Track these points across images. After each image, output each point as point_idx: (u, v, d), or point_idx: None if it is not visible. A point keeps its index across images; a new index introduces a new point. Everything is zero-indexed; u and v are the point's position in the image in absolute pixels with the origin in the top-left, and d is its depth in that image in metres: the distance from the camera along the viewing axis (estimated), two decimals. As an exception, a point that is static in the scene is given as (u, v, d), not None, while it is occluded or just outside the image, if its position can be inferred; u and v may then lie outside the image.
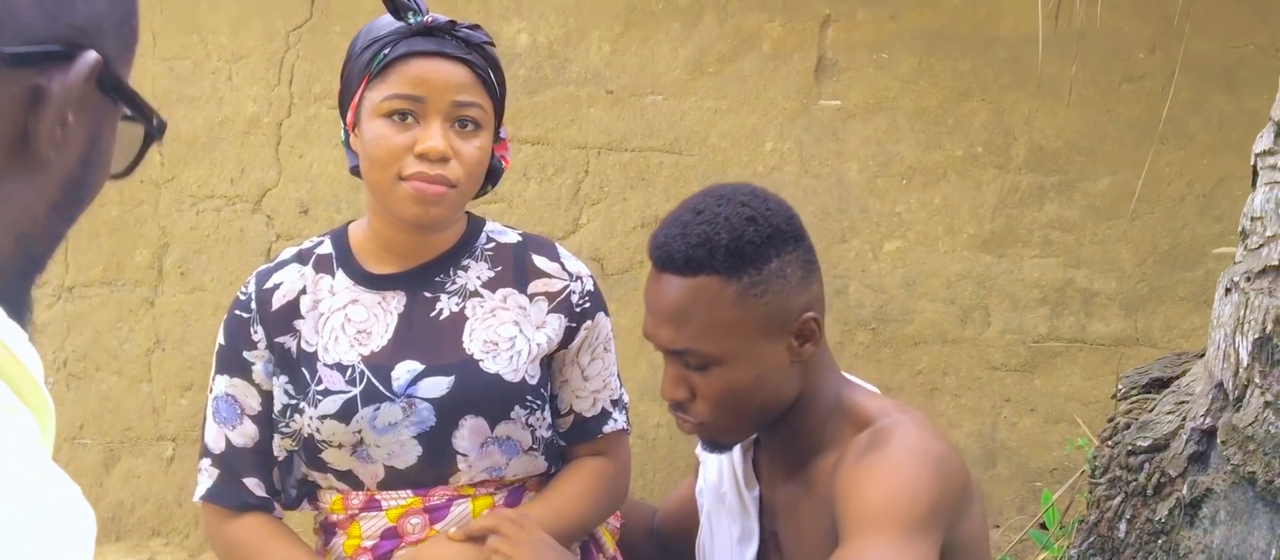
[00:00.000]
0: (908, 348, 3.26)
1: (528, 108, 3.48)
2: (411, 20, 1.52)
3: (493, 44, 1.58)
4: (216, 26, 3.55)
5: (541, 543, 1.53)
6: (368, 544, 1.59)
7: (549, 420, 1.65)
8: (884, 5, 3.24)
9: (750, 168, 3.35)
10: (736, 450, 1.70)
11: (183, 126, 3.56)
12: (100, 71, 0.74)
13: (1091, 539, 2.39)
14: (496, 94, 1.59)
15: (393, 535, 1.60)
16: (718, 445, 1.64)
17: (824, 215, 3.29)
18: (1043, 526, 2.92)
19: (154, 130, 0.81)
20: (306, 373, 1.57)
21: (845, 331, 3.30)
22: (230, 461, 1.61)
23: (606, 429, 1.69)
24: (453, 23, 1.54)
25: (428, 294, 1.61)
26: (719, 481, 1.74)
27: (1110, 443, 2.41)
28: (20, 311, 0.77)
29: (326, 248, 1.64)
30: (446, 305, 1.61)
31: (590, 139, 3.45)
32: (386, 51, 1.52)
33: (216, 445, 1.62)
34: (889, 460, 1.46)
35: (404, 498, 1.59)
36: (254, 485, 1.61)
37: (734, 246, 1.50)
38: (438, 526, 1.59)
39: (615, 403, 1.71)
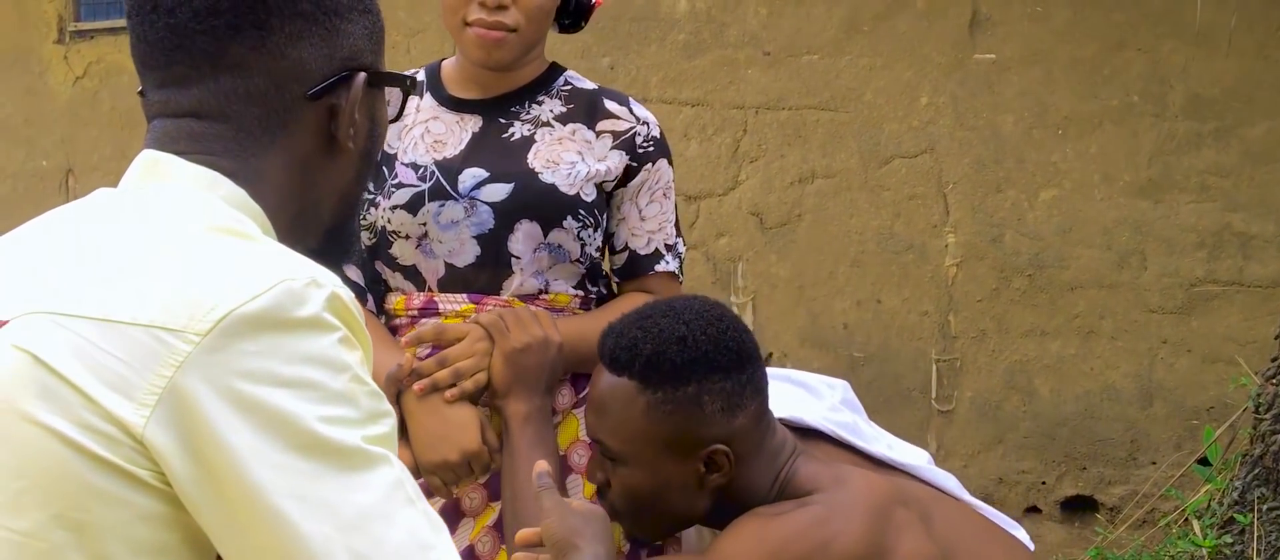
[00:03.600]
0: (1064, 292, 3.37)
1: (687, 71, 3.66)
2: None
3: None
4: (395, 4, 3.80)
5: (526, 365, 1.63)
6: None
7: (599, 242, 1.75)
8: (1038, -41, 3.32)
9: (905, 123, 3.47)
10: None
11: (402, 60, 3.83)
12: (368, 77, 1.04)
13: (1256, 471, 2.50)
14: None
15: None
16: (635, 540, 1.69)
17: (979, 167, 3.41)
18: (1204, 462, 3.02)
19: (409, 86, 1.12)
20: (385, 170, 1.71)
21: (1001, 278, 3.42)
22: None
23: (658, 268, 1.78)
24: None
25: (502, 119, 1.74)
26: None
27: (1275, 381, 2.51)
28: (350, 249, 1.11)
29: (419, 75, 1.79)
30: (518, 130, 1.73)
31: (748, 99, 3.61)
32: None
33: None
34: (777, 522, 1.50)
35: (459, 303, 1.72)
36: (352, 273, 1.74)
37: (654, 360, 1.52)
38: None
39: (670, 247, 1.79)
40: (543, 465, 1.51)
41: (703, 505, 1.57)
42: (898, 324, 3.53)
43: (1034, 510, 3.45)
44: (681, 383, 1.51)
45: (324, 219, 1.06)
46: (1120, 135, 3.28)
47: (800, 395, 1.74)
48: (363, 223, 1.71)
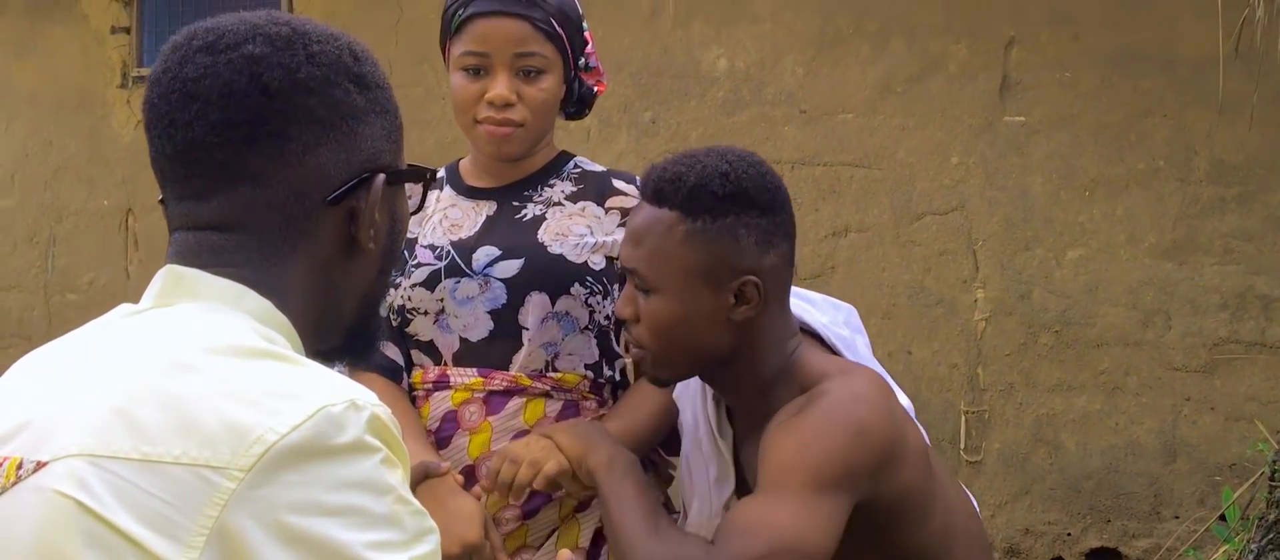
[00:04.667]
0: (1090, 349, 3.46)
1: (726, 127, 3.78)
2: None
3: None
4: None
5: (590, 430, 1.68)
6: (432, 426, 1.79)
7: (609, 311, 1.81)
8: (1067, 26, 3.43)
9: (937, 181, 3.58)
10: (708, 400, 1.76)
11: (417, 148, 3.99)
12: (388, 176, 1.04)
13: (1271, 535, 2.58)
14: (562, 38, 1.78)
15: (453, 420, 1.79)
16: (656, 378, 1.72)
17: (1008, 225, 3.51)
18: (1223, 519, 3.10)
19: (429, 179, 1.12)
20: (406, 254, 1.80)
21: (1029, 334, 3.51)
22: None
23: None
24: None
25: (515, 203, 1.83)
26: (694, 426, 1.80)
27: (1290, 447, 2.59)
28: (373, 346, 1.12)
29: (441, 173, 1.88)
30: (531, 210, 1.82)
31: (784, 155, 3.73)
32: (459, 13, 1.76)
33: None
34: (808, 422, 1.53)
35: (469, 376, 1.79)
36: (390, 350, 1.82)
37: (696, 191, 1.58)
38: (493, 418, 1.78)
39: None
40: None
41: (726, 342, 1.61)
42: (928, 375, 3.63)
43: (1059, 561, 3.54)
44: (721, 214, 1.57)
45: (346, 319, 1.06)
46: (1146, 198, 3.38)
47: (803, 306, 1.77)
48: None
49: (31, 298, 5.01)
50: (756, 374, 1.64)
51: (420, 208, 1.16)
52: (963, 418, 3.60)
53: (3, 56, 5.06)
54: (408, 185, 1.09)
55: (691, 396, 1.78)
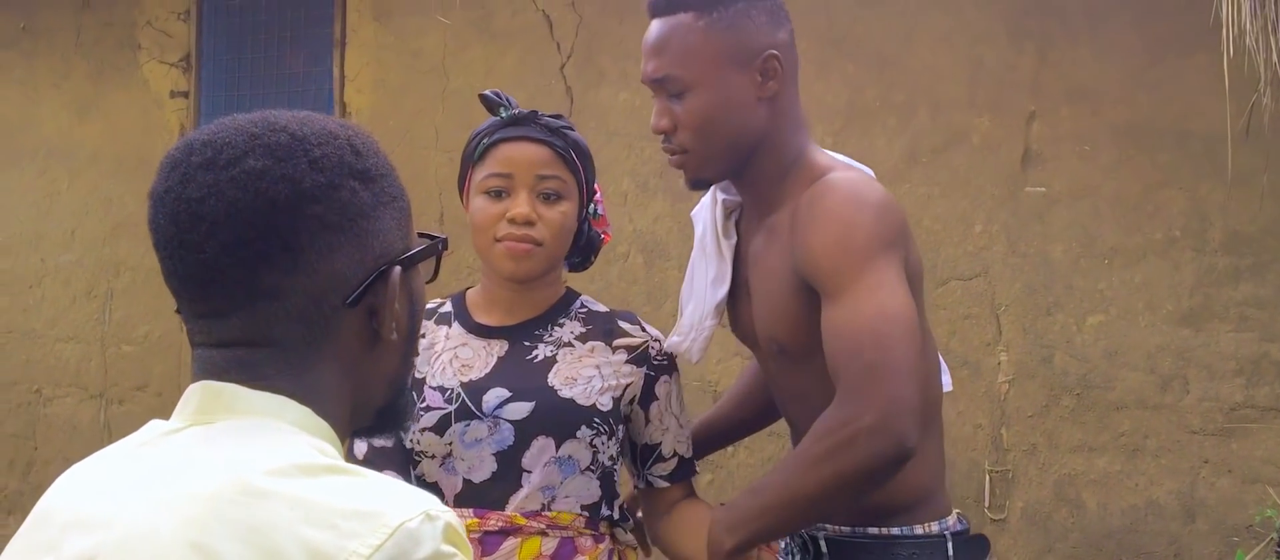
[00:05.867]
0: (1110, 412, 3.57)
1: (758, 193, 3.94)
2: (503, 113, 1.84)
3: (573, 129, 1.87)
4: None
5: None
6: None
7: (614, 451, 1.86)
8: (1086, 102, 3.57)
9: (961, 247, 3.72)
10: (718, 208, 1.89)
11: (459, 209, 4.16)
12: (402, 264, 1.02)
13: (1280, 598, 2.68)
14: (579, 171, 1.85)
15: None
16: (700, 181, 1.84)
17: (1030, 291, 3.64)
18: (1239, 581, 3.19)
19: (442, 249, 1.08)
20: (413, 395, 1.79)
21: (1051, 396, 3.63)
22: (372, 462, 1.81)
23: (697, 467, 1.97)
24: (535, 113, 1.84)
25: (526, 342, 1.85)
26: (703, 233, 1.94)
27: (1297, 513, 2.69)
28: (403, 420, 1.12)
29: (447, 307, 1.92)
30: (541, 351, 1.85)
31: (814, 221, 3.87)
32: (484, 140, 1.84)
33: (358, 452, 1.85)
34: (832, 213, 1.67)
35: (466, 517, 1.78)
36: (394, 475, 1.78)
37: None
38: (487, 559, 1.79)
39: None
40: None
41: (759, 122, 1.76)
42: (952, 435, 3.74)
43: (1081, 618, 3.64)
44: (731, 2, 1.74)
45: (376, 403, 1.06)
46: (1163, 267, 3.50)
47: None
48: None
49: (89, 349, 5.21)
50: (779, 157, 1.78)
51: (435, 275, 1.11)
52: (987, 476, 3.71)
53: (67, 118, 5.30)
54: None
55: (703, 210, 1.94)
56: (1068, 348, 3.61)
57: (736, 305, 1.91)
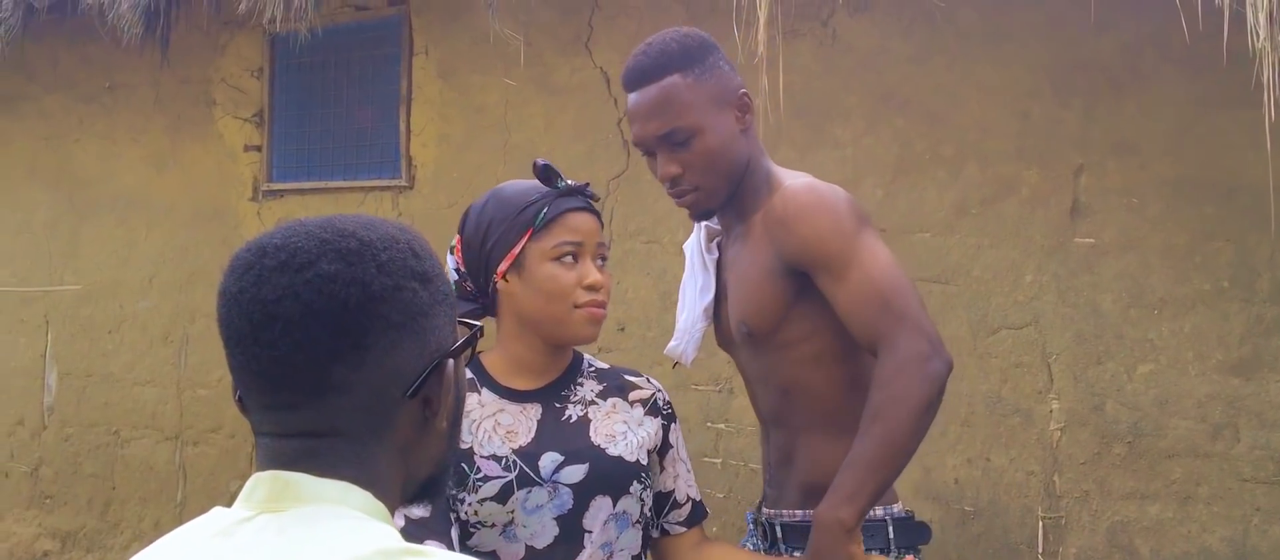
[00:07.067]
0: (1162, 460, 3.61)
1: (811, 244, 4.03)
2: (559, 185, 1.92)
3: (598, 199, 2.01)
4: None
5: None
6: None
7: (650, 501, 1.95)
8: (1133, 156, 3.63)
9: (1011, 297, 3.79)
10: (701, 230, 2.21)
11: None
12: (453, 356, 1.08)
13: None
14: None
15: None
16: (707, 211, 2.12)
17: (1080, 340, 3.70)
18: (1292, 630, 3.21)
19: (479, 335, 1.15)
20: (465, 467, 1.83)
21: (1103, 443, 3.68)
22: (410, 533, 1.83)
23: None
24: (586, 184, 1.96)
25: (557, 404, 1.92)
26: (691, 258, 2.24)
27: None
28: (444, 489, 1.16)
29: (467, 375, 1.87)
30: (573, 412, 1.92)
31: (866, 270, 3.96)
32: (546, 210, 1.87)
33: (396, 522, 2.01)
34: (806, 215, 1.97)
35: None
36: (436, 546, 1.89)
37: (679, 51, 2.04)
38: None
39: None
40: None
41: (745, 152, 2.06)
42: (1005, 482, 3.81)
43: (1135, 664, 3.67)
44: (700, 56, 2.04)
45: (421, 479, 1.11)
46: (1212, 317, 3.55)
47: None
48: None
49: (165, 392, 5.40)
50: (754, 176, 2.08)
51: (470, 360, 1.17)
52: (1040, 523, 3.76)
53: (145, 171, 5.51)
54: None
55: (691, 240, 2.25)
56: (1119, 396, 3.66)
57: (718, 309, 2.20)
